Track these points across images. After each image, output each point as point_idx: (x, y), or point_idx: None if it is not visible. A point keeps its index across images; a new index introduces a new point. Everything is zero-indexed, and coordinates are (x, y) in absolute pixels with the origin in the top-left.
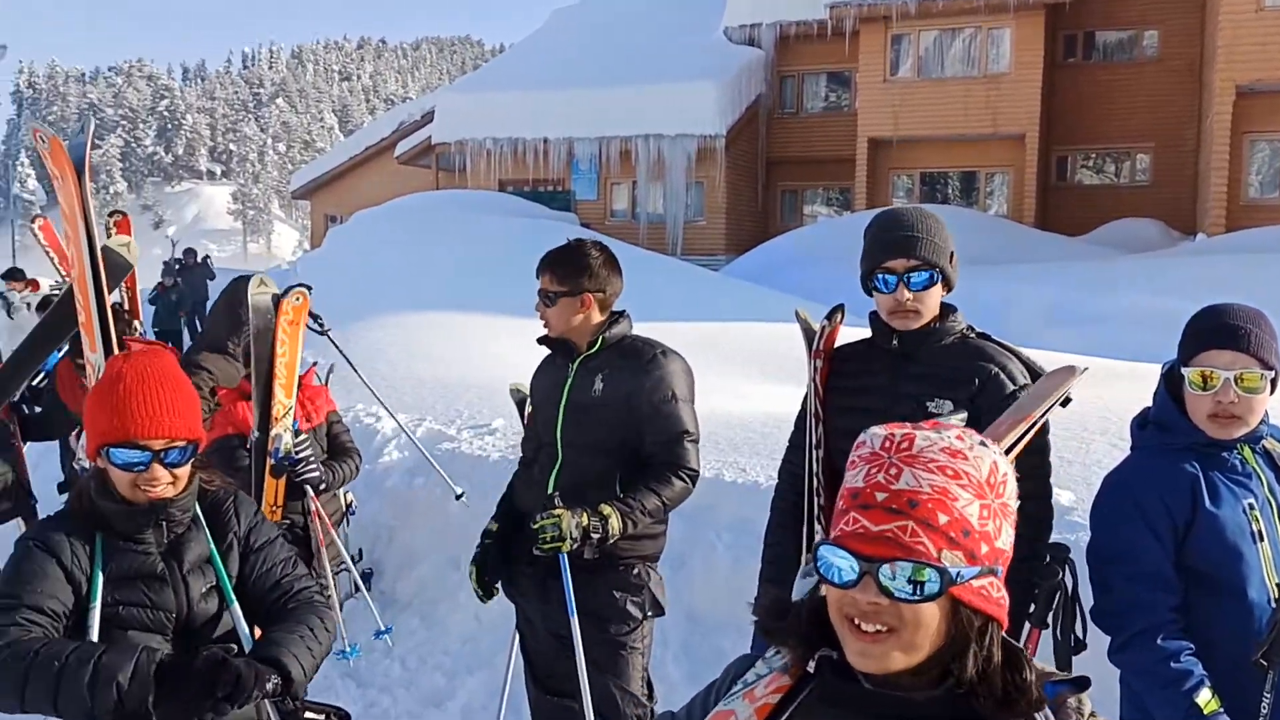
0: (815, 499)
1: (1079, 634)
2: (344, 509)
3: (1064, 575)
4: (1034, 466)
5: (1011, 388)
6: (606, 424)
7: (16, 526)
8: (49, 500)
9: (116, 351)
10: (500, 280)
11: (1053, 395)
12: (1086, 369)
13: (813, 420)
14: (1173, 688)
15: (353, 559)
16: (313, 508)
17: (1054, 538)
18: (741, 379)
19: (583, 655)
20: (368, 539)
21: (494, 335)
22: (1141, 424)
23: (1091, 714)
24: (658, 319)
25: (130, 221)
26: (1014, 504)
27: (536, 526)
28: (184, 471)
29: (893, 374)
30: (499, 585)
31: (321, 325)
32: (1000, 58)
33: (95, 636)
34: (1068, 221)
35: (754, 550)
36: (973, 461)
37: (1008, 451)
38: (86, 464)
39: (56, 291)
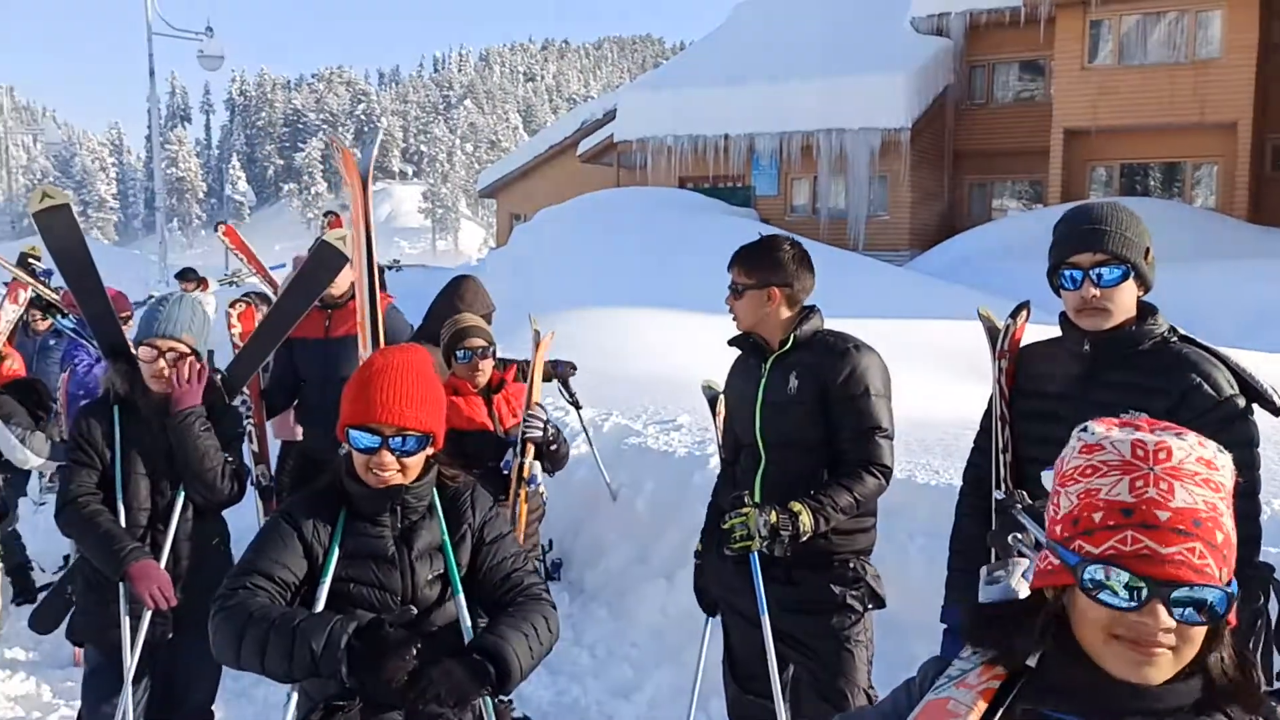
0: None
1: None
2: (544, 504)
3: (1266, 601)
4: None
5: (1216, 399)
6: (805, 422)
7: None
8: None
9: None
10: (682, 276)
11: None
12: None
13: (998, 423)
14: None
15: (543, 549)
16: (520, 497)
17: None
18: (931, 379)
19: (773, 655)
20: (557, 530)
21: (677, 331)
22: None
23: None
24: (841, 315)
25: (343, 220)
26: None
27: (726, 526)
28: (413, 461)
29: (1084, 381)
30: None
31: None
32: (1209, 41)
33: (322, 606)
34: None
35: (947, 554)
36: (1222, 471)
37: None
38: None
39: (232, 283)
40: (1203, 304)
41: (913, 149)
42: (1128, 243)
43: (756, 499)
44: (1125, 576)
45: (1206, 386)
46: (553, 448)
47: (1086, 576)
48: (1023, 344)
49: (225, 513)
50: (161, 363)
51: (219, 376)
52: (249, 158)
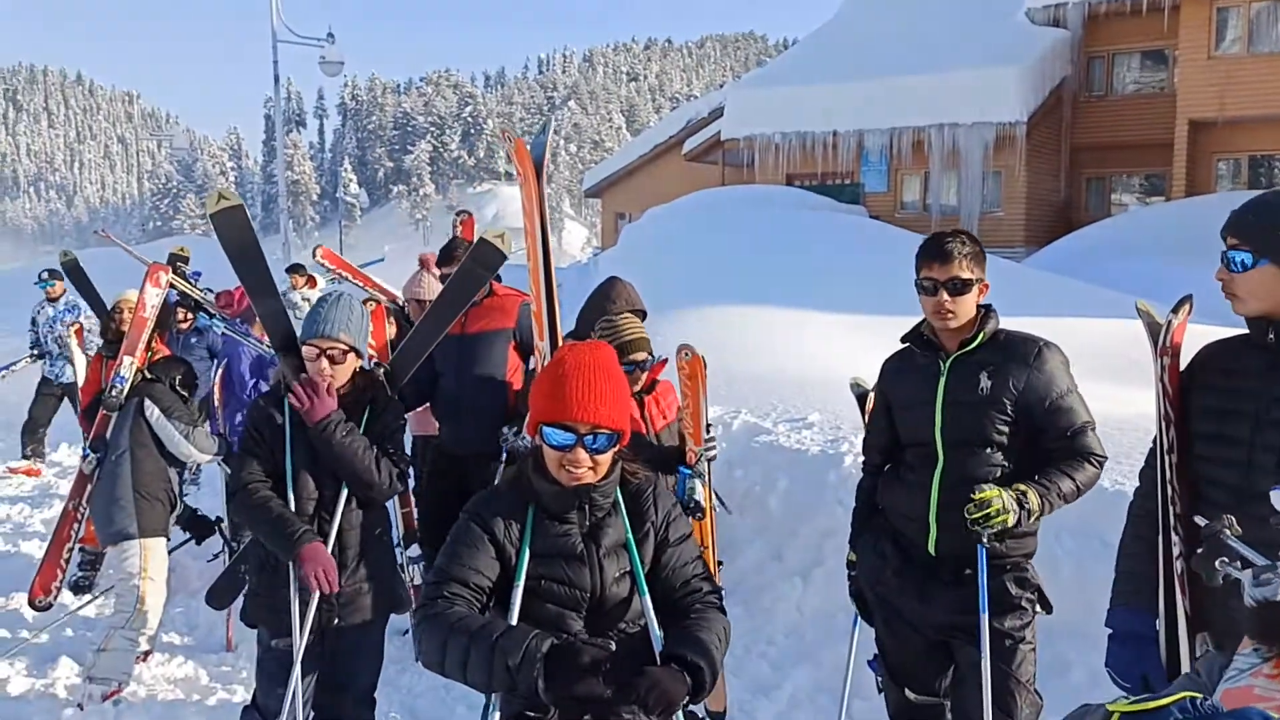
0: (1170, 508)
1: None
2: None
3: None
4: None
5: None
6: (994, 422)
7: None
8: None
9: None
10: (795, 274)
11: None
12: None
13: (1163, 423)
14: None
15: None
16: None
17: None
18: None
19: (988, 655)
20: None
21: (796, 328)
22: None
23: None
24: None
25: (474, 221)
26: None
27: (976, 507)
28: (605, 459)
29: (1268, 375)
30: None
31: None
32: None
33: (518, 608)
34: None
35: (1099, 556)
36: None
37: None
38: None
39: (338, 280)
40: None
41: (1028, 143)
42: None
43: (933, 499)
44: None
45: None
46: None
47: None
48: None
49: None
50: (323, 361)
51: (381, 371)
52: (360, 160)
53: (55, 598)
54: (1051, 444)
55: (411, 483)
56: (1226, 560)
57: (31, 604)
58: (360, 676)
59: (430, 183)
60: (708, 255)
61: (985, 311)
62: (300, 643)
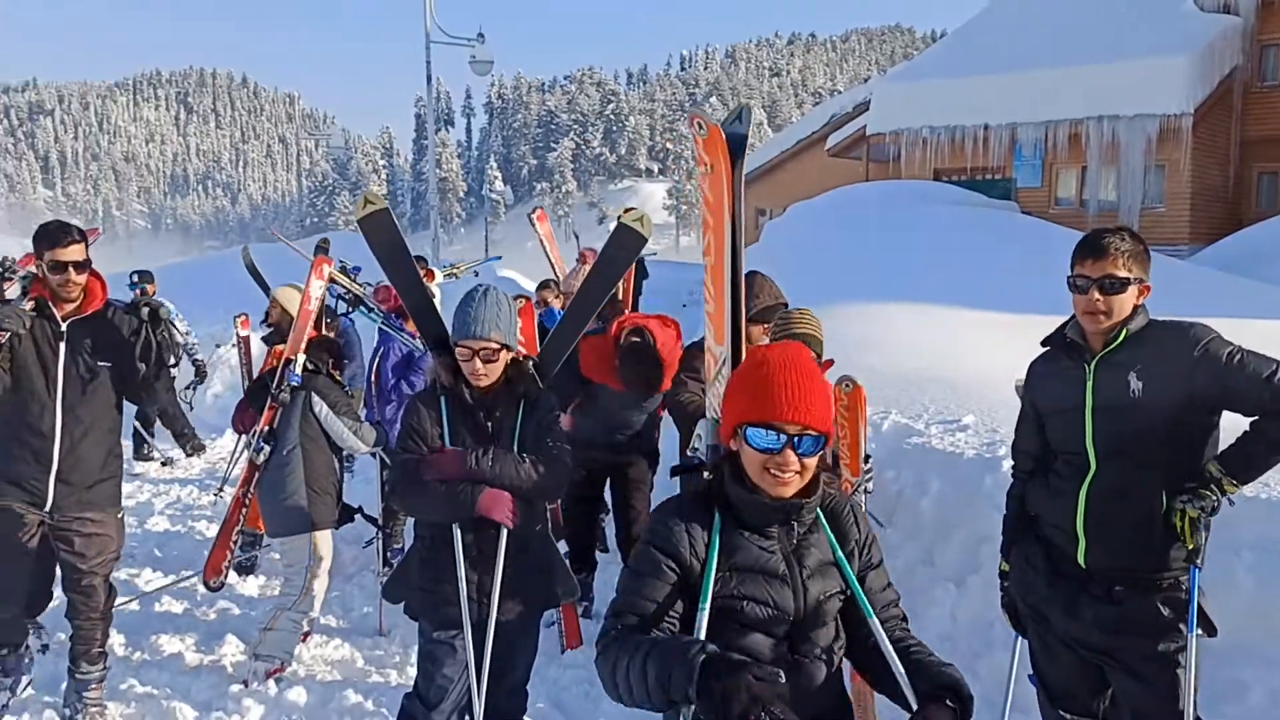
0: None
1: None
2: None
3: None
4: None
5: None
6: (1150, 427)
7: None
8: None
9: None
10: (945, 271)
11: None
12: None
13: None
14: None
15: None
16: None
17: None
18: None
19: (1193, 673)
20: None
21: (946, 327)
22: None
23: None
24: None
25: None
26: None
27: (1198, 503)
28: (812, 464)
29: None
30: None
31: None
32: None
33: (705, 627)
34: None
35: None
36: None
37: None
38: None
39: (453, 278)
40: None
41: (1194, 136)
42: None
43: (1081, 509)
44: None
45: None
46: None
47: None
48: None
49: None
50: (477, 362)
51: (530, 364)
52: (505, 158)
53: (225, 578)
54: (1252, 405)
55: None
56: None
57: (206, 585)
58: (516, 668)
59: (572, 179)
60: (853, 250)
61: (1131, 310)
62: (467, 637)
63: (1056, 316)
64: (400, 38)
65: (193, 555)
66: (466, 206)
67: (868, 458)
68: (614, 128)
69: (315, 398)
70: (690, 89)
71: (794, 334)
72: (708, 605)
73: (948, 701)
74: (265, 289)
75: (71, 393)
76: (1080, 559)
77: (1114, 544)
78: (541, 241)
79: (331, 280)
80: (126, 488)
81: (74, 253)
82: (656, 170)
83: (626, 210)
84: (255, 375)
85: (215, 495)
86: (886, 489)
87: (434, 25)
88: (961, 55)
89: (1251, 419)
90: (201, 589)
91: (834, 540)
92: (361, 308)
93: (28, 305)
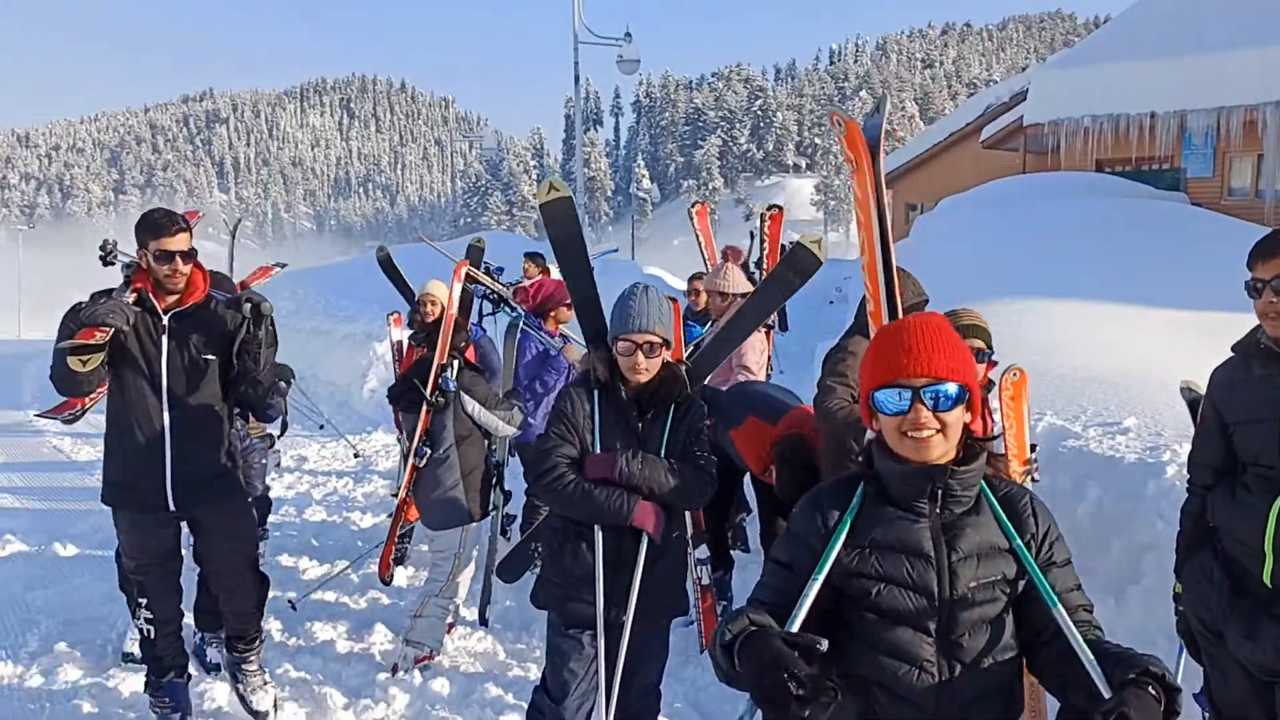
0: None
1: None
2: None
3: None
4: None
5: None
6: None
7: None
8: None
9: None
10: (1107, 264)
11: None
12: None
13: None
14: None
15: None
16: None
17: None
18: None
19: None
20: None
21: (1109, 323)
22: None
23: None
24: None
25: (783, 216)
26: None
27: None
28: (954, 419)
29: None
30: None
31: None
32: None
33: (807, 606)
34: None
35: None
36: None
37: None
38: None
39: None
40: None
41: None
42: None
43: (1271, 526)
44: None
45: None
46: None
47: None
48: None
49: None
50: (639, 355)
51: (683, 368)
52: (652, 156)
53: (394, 571)
54: None
55: None
56: None
57: (382, 580)
58: (648, 671)
59: (719, 176)
60: (1007, 244)
61: None
62: (600, 639)
63: (1225, 314)
64: (551, 40)
65: (348, 545)
66: (614, 205)
67: (1033, 447)
68: (761, 124)
69: (465, 396)
70: (839, 83)
71: (960, 325)
72: (821, 577)
73: (1150, 689)
74: (401, 288)
75: (178, 387)
76: (1266, 578)
77: None
78: (697, 235)
79: (475, 280)
80: (287, 479)
81: (180, 241)
82: (804, 165)
83: (810, 239)
84: (400, 373)
85: (392, 496)
86: (1040, 493)
87: (582, 26)
88: (1126, 40)
89: None
90: (355, 577)
91: (1010, 527)
92: (505, 307)
93: (130, 297)
